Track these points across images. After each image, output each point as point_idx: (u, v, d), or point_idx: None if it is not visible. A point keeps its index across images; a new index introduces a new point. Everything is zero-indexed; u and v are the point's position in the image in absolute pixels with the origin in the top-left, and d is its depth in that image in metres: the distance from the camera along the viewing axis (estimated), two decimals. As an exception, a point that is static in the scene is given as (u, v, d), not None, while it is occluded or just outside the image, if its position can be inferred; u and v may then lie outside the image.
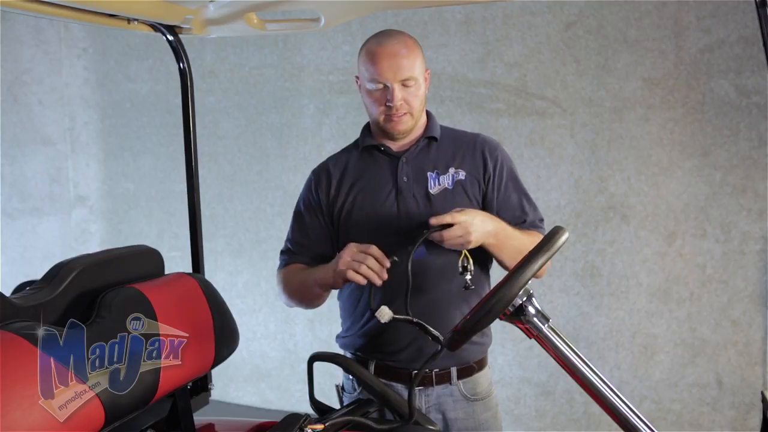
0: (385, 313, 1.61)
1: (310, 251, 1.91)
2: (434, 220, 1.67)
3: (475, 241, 1.68)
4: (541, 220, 1.92)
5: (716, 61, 3.11)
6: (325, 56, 3.85)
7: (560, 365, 1.43)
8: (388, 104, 1.76)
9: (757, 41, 2.98)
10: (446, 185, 1.82)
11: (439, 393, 1.85)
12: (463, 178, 1.83)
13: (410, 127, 1.82)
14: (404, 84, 1.75)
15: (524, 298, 1.41)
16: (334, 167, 1.91)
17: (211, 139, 4.11)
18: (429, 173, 1.83)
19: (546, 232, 1.81)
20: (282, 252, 1.97)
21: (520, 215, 1.87)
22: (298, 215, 1.95)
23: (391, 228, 1.82)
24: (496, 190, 1.85)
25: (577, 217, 3.38)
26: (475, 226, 1.67)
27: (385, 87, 1.75)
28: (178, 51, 2.04)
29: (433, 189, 1.82)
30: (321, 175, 1.92)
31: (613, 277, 3.35)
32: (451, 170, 1.83)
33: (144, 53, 4.28)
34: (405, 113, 1.78)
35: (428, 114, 1.92)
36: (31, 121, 4.41)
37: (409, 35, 1.81)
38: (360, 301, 1.87)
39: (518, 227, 1.84)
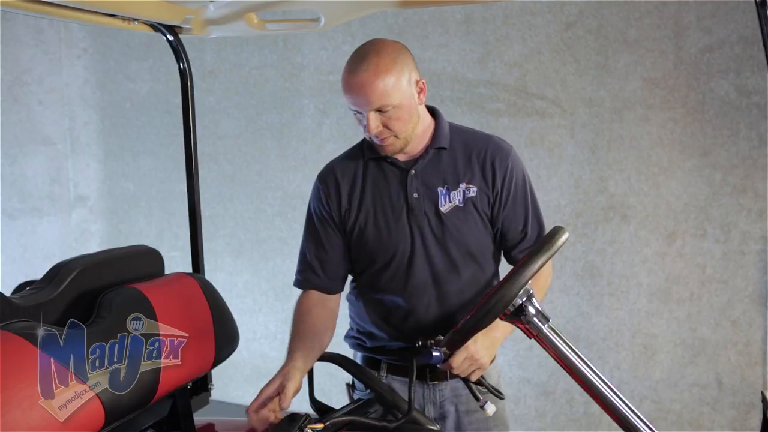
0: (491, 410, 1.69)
1: (328, 265, 1.86)
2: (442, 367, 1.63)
3: (487, 363, 1.67)
4: (540, 233, 1.86)
5: (716, 61, 3.11)
6: (325, 56, 3.85)
7: (560, 365, 1.43)
8: (366, 130, 1.71)
9: (757, 41, 2.98)
10: (457, 202, 1.78)
11: (453, 386, 1.88)
12: (474, 194, 1.78)
13: (399, 147, 1.75)
14: (379, 111, 1.67)
15: (524, 298, 1.41)
16: (342, 177, 1.85)
17: (211, 139, 4.11)
18: (439, 188, 1.78)
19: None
20: (298, 270, 1.91)
21: (521, 231, 1.84)
22: (311, 227, 1.88)
23: (405, 247, 1.79)
24: (503, 204, 1.81)
25: (577, 217, 3.38)
26: (479, 352, 1.63)
27: (362, 113, 1.69)
28: (178, 51, 2.04)
29: (444, 206, 1.78)
30: (329, 184, 1.85)
31: (613, 277, 3.35)
32: (462, 186, 1.78)
33: (144, 53, 4.28)
34: (388, 136, 1.71)
35: (437, 117, 1.85)
36: (31, 121, 4.41)
37: (386, 53, 1.67)
38: (377, 305, 1.87)
39: (515, 247, 1.83)
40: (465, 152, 1.81)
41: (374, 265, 1.83)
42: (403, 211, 1.79)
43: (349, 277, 1.96)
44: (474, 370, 1.65)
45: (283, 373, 1.65)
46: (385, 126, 1.69)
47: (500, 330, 1.70)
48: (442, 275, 1.80)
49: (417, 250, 1.79)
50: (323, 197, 1.85)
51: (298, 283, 1.91)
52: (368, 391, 1.88)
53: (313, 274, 1.87)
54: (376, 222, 1.81)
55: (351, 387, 1.95)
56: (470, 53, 3.51)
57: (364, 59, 1.66)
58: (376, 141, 1.73)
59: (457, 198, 1.78)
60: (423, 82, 1.75)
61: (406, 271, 1.80)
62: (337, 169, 1.87)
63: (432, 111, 1.86)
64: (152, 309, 1.59)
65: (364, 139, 1.85)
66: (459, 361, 1.61)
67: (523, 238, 1.84)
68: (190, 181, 2.12)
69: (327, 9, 1.96)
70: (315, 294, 1.87)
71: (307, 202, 1.93)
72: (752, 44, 3.03)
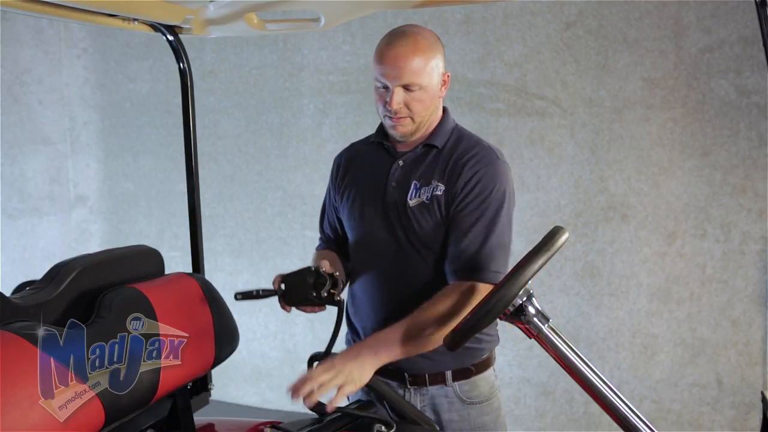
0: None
1: (332, 240, 2.01)
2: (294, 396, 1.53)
3: (355, 381, 1.56)
4: (479, 252, 1.68)
5: (716, 61, 3.11)
6: (325, 56, 3.85)
7: (560, 365, 1.43)
8: (387, 105, 1.72)
9: (757, 41, 2.98)
10: (424, 199, 1.76)
11: (433, 393, 1.82)
12: (440, 193, 1.75)
13: (411, 131, 1.76)
14: (406, 88, 1.70)
15: (524, 298, 1.41)
16: (347, 157, 1.96)
17: (211, 139, 4.11)
18: (414, 182, 1.78)
19: (483, 286, 1.66)
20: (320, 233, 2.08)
21: (458, 239, 1.70)
22: (324, 203, 2.04)
23: (373, 234, 1.82)
24: (456, 206, 1.73)
25: (577, 217, 3.38)
26: (350, 373, 1.56)
27: (388, 87, 1.71)
28: (178, 51, 2.04)
29: (412, 200, 1.76)
30: (336, 162, 1.99)
31: (613, 277, 3.35)
32: (434, 183, 1.76)
33: (144, 53, 4.28)
34: (405, 117, 1.73)
35: (443, 117, 1.84)
36: (31, 121, 4.41)
37: (424, 35, 1.72)
38: (354, 293, 1.91)
39: (449, 254, 1.73)
40: (450, 154, 1.79)
41: (353, 247, 1.91)
42: (379, 198, 1.82)
43: None
44: (339, 386, 1.53)
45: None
46: (407, 105, 1.72)
47: (375, 356, 1.61)
48: (409, 272, 1.78)
49: (384, 239, 1.80)
50: (331, 175, 1.99)
51: (318, 246, 2.07)
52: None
53: (324, 242, 2.04)
54: (354, 203, 1.87)
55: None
56: (470, 53, 3.51)
57: (404, 35, 1.72)
58: (392, 119, 1.74)
59: (425, 194, 1.77)
60: (448, 76, 1.79)
61: (374, 258, 1.82)
62: (346, 150, 1.99)
63: (442, 110, 1.87)
64: (152, 309, 1.58)
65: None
66: (319, 371, 1.54)
67: (457, 245, 1.70)
68: (190, 181, 2.12)
69: (327, 9, 1.96)
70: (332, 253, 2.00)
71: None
72: (752, 44, 3.03)
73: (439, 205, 1.75)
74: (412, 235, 1.77)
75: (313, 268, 1.65)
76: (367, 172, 1.87)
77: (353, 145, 1.99)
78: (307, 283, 1.63)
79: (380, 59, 1.71)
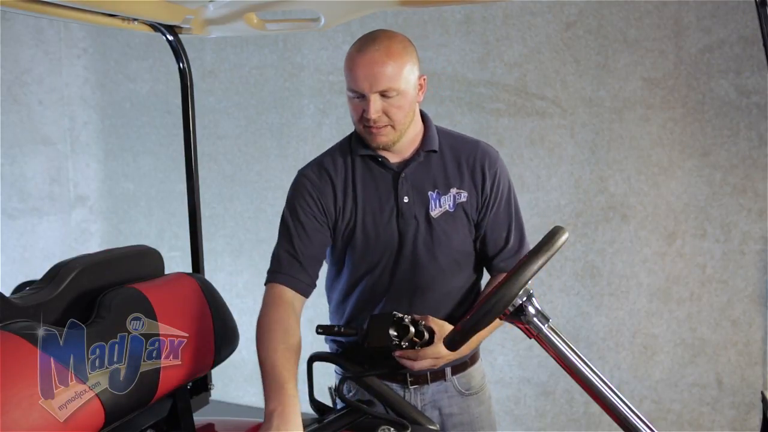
0: None
1: (310, 261, 1.72)
2: (399, 353, 1.67)
3: (445, 361, 1.73)
4: (522, 242, 1.83)
5: (716, 61, 3.11)
6: (325, 56, 3.85)
7: (560, 365, 1.43)
8: (365, 115, 1.64)
9: (757, 41, 2.98)
10: (447, 207, 1.75)
11: (434, 390, 1.85)
12: (464, 200, 1.76)
13: (393, 140, 1.69)
14: (383, 95, 1.62)
15: (524, 298, 1.41)
16: (335, 173, 1.77)
17: (211, 139, 4.11)
18: (430, 192, 1.75)
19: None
20: (273, 265, 1.74)
21: (504, 240, 1.81)
22: (295, 222, 1.75)
23: (392, 252, 1.76)
24: (489, 209, 1.79)
25: (577, 217, 3.38)
26: (444, 352, 1.66)
27: (363, 96, 1.63)
28: (178, 51, 2.04)
29: (434, 211, 1.75)
30: (322, 179, 1.77)
31: (613, 277, 3.35)
32: (453, 191, 1.76)
33: (144, 53, 4.28)
34: (385, 125, 1.66)
35: (426, 121, 1.81)
36: (31, 121, 4.41)
37: (397, 39, 1.66)
38: (349, 306, 1.85)
39: (496, 256, 1.82)
40: (454, 157, 1.78)
41: (358, 268, 1.79)
42: (393, 214, 1.75)
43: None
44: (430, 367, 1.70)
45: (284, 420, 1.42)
46: (385, 113, 1.64)
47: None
48: (427, 282, 1.77)
49: (405, 255, 1.76)
50: (314, 192, 1.75)
51: (275, 279, 1.71)
52: (350, 395, 1.86)
53: (298, 269, 1.70)
54: (365, 224, 1.75)
55: (334, 391, 1.91)
56: (470, 53, 3.51)
57: (376, 41, 1.64)
58: (370, 128, 1.66)
59: (447, 203, 1.76)
60: (424, 79, 1.73)
61: (390, 277, 1.77)
62: (327, 165, 1.79)
63: (422, 115, 1.82)
64: (152, 309, 1.59)
65: (351, 135, 1.81)
66: (423, 364, 1.68)
67: (504, 247, 1.81)
68: (190, 181, 2.12)
69: (327, 9, 1.96)
70: (288, 294, 1.70)
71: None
72: (752, 44, 3.03)
73: (465, 211, 1.76)
74: (436, 246, 1.75)
75: (395, 317, 1.63)
76: (367, 188, 1.77)
77: (331, 160, 1.79)
78: (388, 334, 1.63)
79: (352, 67, 1.63)
